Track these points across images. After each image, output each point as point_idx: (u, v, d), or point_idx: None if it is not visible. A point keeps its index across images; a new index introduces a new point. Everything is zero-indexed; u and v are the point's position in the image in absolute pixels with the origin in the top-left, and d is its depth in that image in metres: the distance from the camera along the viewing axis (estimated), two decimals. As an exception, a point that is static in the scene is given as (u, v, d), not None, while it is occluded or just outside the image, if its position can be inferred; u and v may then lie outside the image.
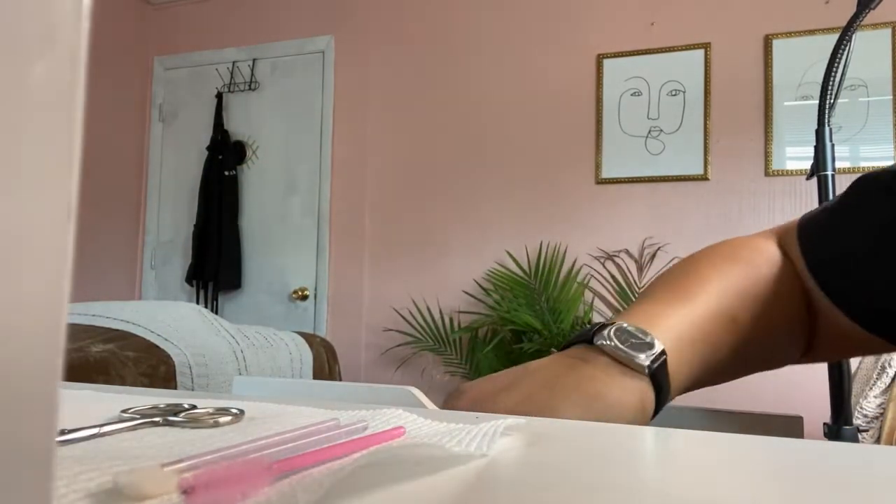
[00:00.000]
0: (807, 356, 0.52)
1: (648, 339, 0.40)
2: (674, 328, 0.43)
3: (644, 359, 0.39)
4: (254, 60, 3.39)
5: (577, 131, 2.85)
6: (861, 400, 1.70)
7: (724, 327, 0.46)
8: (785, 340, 0.50)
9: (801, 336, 0.51)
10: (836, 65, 1.18)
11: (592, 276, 2.75)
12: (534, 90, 2.92)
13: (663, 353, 0.40)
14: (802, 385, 2.46)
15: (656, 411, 0.40)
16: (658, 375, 0.39)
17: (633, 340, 0.40)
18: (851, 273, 0.48)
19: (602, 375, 0.39)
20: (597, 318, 2.73)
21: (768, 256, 0.51)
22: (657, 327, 0.42)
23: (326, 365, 2.31)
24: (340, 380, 2.49)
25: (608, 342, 0.40)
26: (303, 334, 2.32)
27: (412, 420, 0.30)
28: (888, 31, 2.46)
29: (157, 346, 1.68)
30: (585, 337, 0.42)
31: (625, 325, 0.41)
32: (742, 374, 0.50)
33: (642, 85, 2.77)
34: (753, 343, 0.48)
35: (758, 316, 0.47)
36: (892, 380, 1.67)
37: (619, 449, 0.27)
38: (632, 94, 2.78)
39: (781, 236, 0.53)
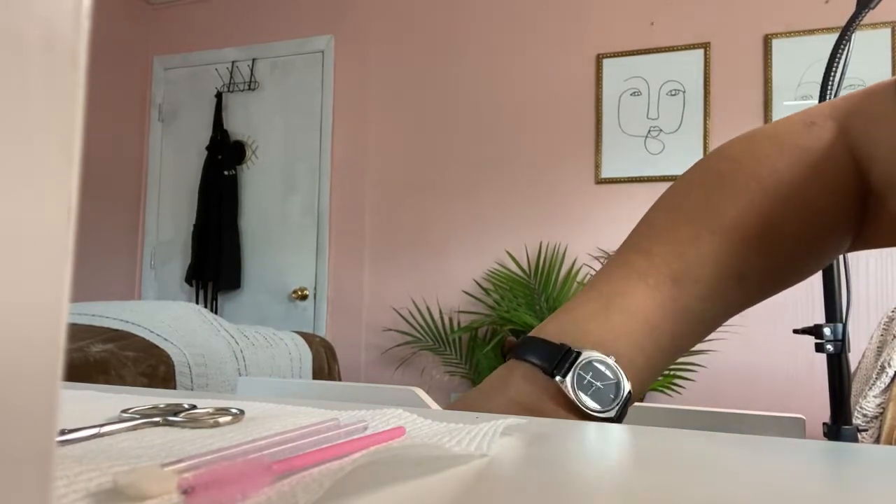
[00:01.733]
0: (859, 244, 0.45)
1: (615, 381, 0.36)
2: (654, 327, 0.39)
3: (606, 411, 0.36)
4: (253, 60, 3.39)
5: (577, 131, 2.85)
6: (860, 399, 1.71)
7: (728, 291, 0.40)
8: (822, 249, 0.43)
9: (847, 231, 0.43)
10: (835, 64, 1.18)
11: (592, 275, 2.75)
12: (534, 90, 2.92)
13: (629, 395, 0.36)
14: (802, 385, 2.46)
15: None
16: (620, 415, 0.36)
17: (599, 384, 0.36)
18: None
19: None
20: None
21: (803, 148, 0.42)
22: (634, 336, 0.38)
23: (326, 365, 2.31)
24: (340, 380, 2.49)
25: (570, 387, 0.36)
26: (302, 334, 2.32)
27: (412, 420, 0.30)
28: (888, 31, 2.46)
29: (157, 346, 1.68)
30: (543, 362, 0.37)
31: (592, 358, 0.36)
32: (767, 296, 0.44)
33: (642, 85, 2.77)
34: (772, 281, 0.42)
35: (777, 251, 0.41)
36: (892, 379, 1.67)
37: (620, 449, 0.27)
38: (631, 94, 2.78)
39: (847, 109, 0.44)
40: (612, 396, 0.36)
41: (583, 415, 0.36)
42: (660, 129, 2.73)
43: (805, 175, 0.41)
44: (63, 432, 0.26)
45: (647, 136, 2.75)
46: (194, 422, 0.29)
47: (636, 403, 0.51)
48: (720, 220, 0.41)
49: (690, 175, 0.45)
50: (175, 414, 0.30)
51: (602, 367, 0.36)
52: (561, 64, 2.90)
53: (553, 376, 0.36)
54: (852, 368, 1.92)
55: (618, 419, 0.36)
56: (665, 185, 2.71)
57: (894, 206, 0.41)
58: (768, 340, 2.49)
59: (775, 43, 2.61)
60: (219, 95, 3.42)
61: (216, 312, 3.29)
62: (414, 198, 3.07)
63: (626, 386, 0.36)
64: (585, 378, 0.36)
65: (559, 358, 0.37)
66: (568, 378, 0.36)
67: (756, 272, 0.41)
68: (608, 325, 0.39)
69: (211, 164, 3.36)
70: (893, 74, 2.46)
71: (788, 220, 0.41)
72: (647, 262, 0.41)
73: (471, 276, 2.94)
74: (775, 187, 0.41)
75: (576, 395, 0.36)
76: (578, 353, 0.36)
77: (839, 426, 1.17)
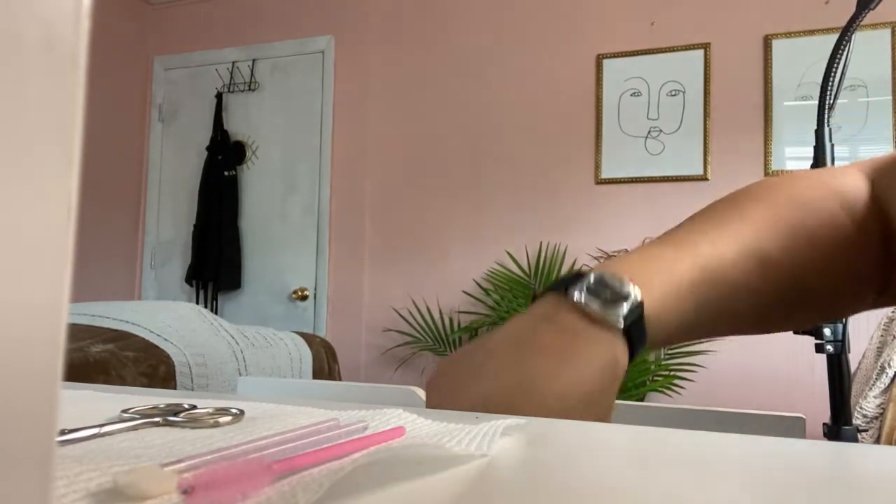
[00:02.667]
0: (885, 301, 0.46)
1: (625, 291, 0.38)
2: (674, 272, 0.40)
3: (616, 316, 0.37)
4: (253, 60, 3.39)
5: (577, 131, 2.85)
6: (860, 400, 1.71)
7: (749, 267, 0.42)
8: (845, 286, 0.45)
9: (871, 280, 0.45)
10: (835, 65, 1.18)
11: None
12: (534, 90, 2.92)
13: (640, 305, 0.38)
14: (802, 385, 2.46)
15: (635, 356, 0.39)
16: (633, 329, 0.37)
17: (609, 293, 0.37)
18: None
19: (568, 335, 0.37)
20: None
21: (837, 189, 0.45)
22: (653, 272, 0.40)
23: (326, 365, 2.31)
24: (340, 380, 2.49)
25: (580, 296, 0.38)
26: (302, 334, 2.31)
27: (412, 420, 0.30)
28: (888, 31, 2.46)
29: (157, 346, 1.68)
30: (561, 286, 0.39)
31: (604, 273, 0.38)
32: (788, 324, 0.45)
33: (642, 85, 2.77)
34: (795, 287, 0.43)
35: (805, 258, 0.43)
36: (892, 380, 1.67)
37: (620, 449, 0.27)
38: (631, 95, 2.78)
39: (878, 167, 0.46)
40: (623, 304, 0.37)
41: (593, 320, 0.37)
42: (660, 129, 2.73)
43: (832, 212, 0.44)
44: (63, 432, 0.26)
45: (647, 137, 2.75)
46: (194, 422, 0.30)
47: (637, 403, 0.51)
48: (746, 215, 0.44)
49: (736, 191, 0.48)
50: (175, 414, 0.30)
51: (613, 281, 0.38)
52: (561, 64, 2.90)
53: (568, 292, 0.39)
54: (852, 369, 1.92)
55: (631, 333, 0.37)
56: (665, 186, 2.71)
57: None
58: (768, 341, 2.49)
59: (775, 43, 2.61)
60: (219, 96, 3.42)
61: (216, 312, 3.29)
62: (414, 198, 3.07)
63: (637, 294, 0.38)
64: (596, 289, 0.38)
65: (575, 277, 0.39)
66: (577, 287, 0.38)
67: (777, 263, 0.42)
68: (626, 262, 0.41)
69: (211, 165, 3.36)
70: (893, 74, 2.46)
71: (815, 231, 0.43)
72: (669, 237, 0.44)
73: (471, 276, 2.94)
74: (802, 207, 0.44)
75: (584, 299, 0.37)
76: (591, 271, 0.39)
77: (839, 426, 1.17)
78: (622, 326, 0.37)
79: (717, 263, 0.41)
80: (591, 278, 0.38)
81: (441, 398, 0.38)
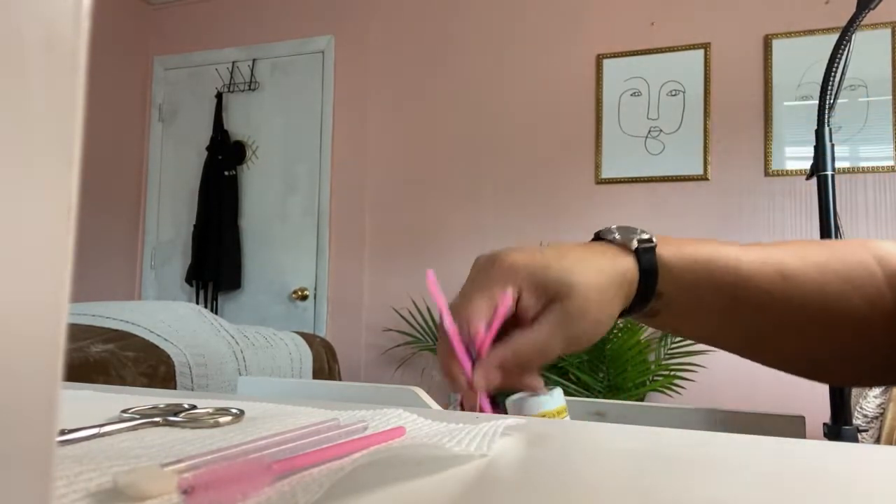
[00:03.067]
0: None
1: (642, 231, 0.47)
2: (694, 248, 0.47)
3: (632, 240, 0.46)
4: (254, 60, 3.39)
5: (577, 131, 2.85)
6: (861, 400, 1.71)
7: (770, 273, 0.46)
8: (875, 318, 0.46)
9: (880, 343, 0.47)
10: (835, 65, 1.18)
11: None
12: (534, 90, 2.92)
13: (651, 239, 0.46)
14: (802, 385, 2.46)
15: (647, 293, 0.46)
16: (644, 257, 0.45)
17: (630, 232, 0.47)
18: None
19: (596, 246, 0.47)
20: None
21: (870, 245, 0.48)
22: (675, 241, 0.47)
23: (326, 365, 2.31)
24: (340, 380, 2.49)
25: (608, 229, 0.48)
26: (302, 334, 2.31)
27: (412, 420, 0.30)
28: (888, 31, 2.46)
29: (157, 346, 1.68)
30: (596, 234, 0.49)
31: (631, 225, 0.48)
32: (811, 352, 0.48)
33: (642, 85, 2.77)
34: (818, 300, 0.46)
35: (829, 283, 0.46)
36: (892, 380, 1.66)
37: (619, 449, 0.27)
38: (631, 95, 2.78)
39: None
40: (638, 237, 0.46)
41: (615, 244, 0.47)
42: (660, 129, 2.73)
43: (864, 260, 0.48)
44: (63, 432, 0.26)
45: (647, 137, 2.75)
46: (194, 422, 0.30)
47: (637, 403, 0.51)
48: (778, 247, 0.49)
49: None
50: (175, 414, 0.30)
51: (635, 228, 0.47)
52: (561, 64, 2.89)
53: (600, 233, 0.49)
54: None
55: (641, 258, 0.45)
56: (665, 186, 2.71)
57: None
58: (768, 340, 2.49)
59: (775, 43, 2.61)
60: (219, 95, 3.42)
61: (216, 312, 3.29)
62: (414, 198, 3.07)
63: (649, 234, 0.46)
64: (621, 230, 0.48)
65: (608, 227, 0.49)
66: (608, 229, 0.48)
67: (801, 274, 0.47)
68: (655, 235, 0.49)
69: (211, 165, 3.36)
70: (893, 74, 2.46)
71: (837, 276, 0.47)
72: (708, 242, 0.50)
73: (471, 276, 2.94)
74: (833, 248, 0.49)
75: (610, 232, 0.47)
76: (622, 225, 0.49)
77: (839, 426, 1.17)
78: (634, 248, 0.46)
79: (738, 258, 0.47)
80: (619, 226, 0.48)
81: (490, 254, 0.46)
